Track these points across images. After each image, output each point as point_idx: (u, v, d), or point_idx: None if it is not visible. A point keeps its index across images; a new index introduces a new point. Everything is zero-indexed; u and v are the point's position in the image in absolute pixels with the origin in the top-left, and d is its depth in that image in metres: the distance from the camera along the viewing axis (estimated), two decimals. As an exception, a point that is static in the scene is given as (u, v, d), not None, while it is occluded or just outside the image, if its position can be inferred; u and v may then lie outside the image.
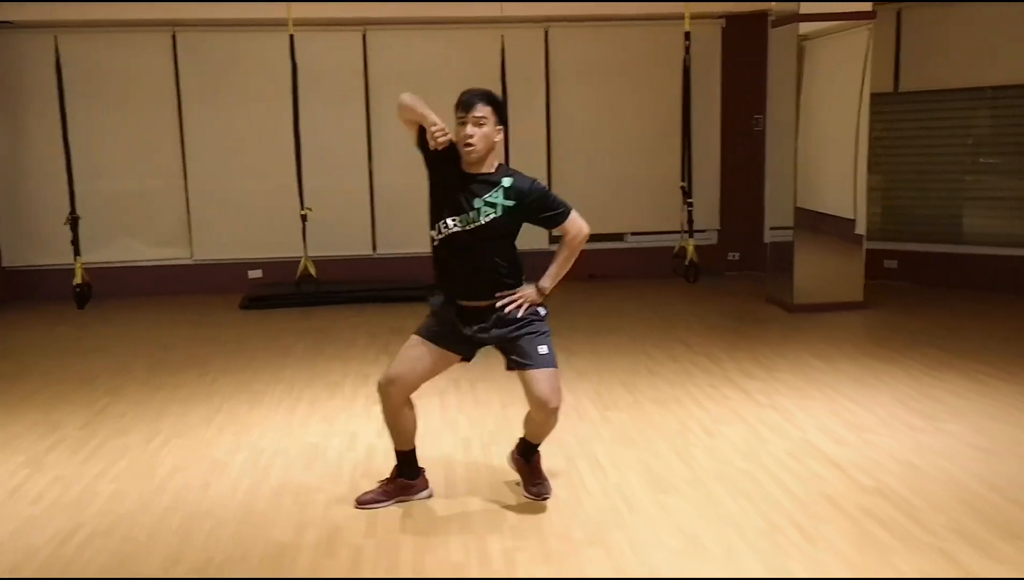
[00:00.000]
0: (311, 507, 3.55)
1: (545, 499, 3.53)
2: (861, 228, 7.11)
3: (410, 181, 8.32)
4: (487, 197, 3.33)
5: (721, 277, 8.67)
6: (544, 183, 3.54)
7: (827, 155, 7.10)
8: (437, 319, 3.47)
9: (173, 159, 8.18)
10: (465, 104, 3.32)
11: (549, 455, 4.05)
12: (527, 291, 3.42)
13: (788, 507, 3.46)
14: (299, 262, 7.83)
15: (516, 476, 3.72)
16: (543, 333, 3.43)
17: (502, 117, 3.36)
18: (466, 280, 3.40)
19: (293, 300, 7.68)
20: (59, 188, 7.73)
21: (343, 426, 4.57)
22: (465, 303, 3.40)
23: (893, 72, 7.96)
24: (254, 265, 8.41)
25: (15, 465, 4.07)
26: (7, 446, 4.32)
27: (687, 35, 8.05)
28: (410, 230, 8.40)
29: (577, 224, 3.45)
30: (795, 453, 4.03)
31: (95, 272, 7.94)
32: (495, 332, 3.40)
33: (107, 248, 8.13)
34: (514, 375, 3.44)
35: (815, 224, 7.16)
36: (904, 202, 8.16)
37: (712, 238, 8.88)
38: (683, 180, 8.21)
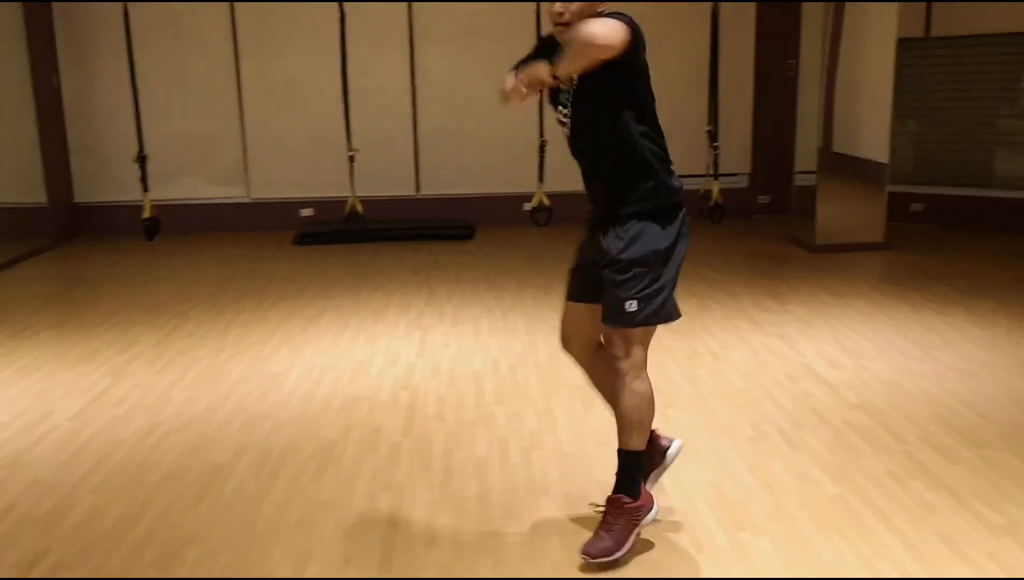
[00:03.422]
0: (356, 413, 4.05)
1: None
2: (884, 171, 7.36)
3: (452, 123, 8.76)
4: None
5: (750, 220, 8.98)
6: None
7: (858, 99, 7.33)
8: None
9: (231, 101, 8.65)
10: None
11: (570, 372, 4.52)
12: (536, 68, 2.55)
13: (777, 419, 3.88)
14: (347, 201, 8.34)
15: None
16: (638, 278, 2.67)
17: None
18: (588, 184, 2.82)
19: (341, 237, 8.18)
20: (126, 128, 8.27)
21: (386, 346, 5.06)
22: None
23: (925, 17, 8.11)
24: (306, 204, 8.90)
25: (100, 375, 4.63)
26: (91, 359, 4.89)
27: (715, -21, 8.33)
28: (452, 171, 8.84)
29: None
30: (792, 374, 4.43)
31: (159, 208, 8.51)
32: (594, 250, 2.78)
33: (170, 186, 8.68)
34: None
35: (842, 167, 7.43)
36: (933, 146, 8.36)
37: (743, 182, 9.17)
38: (710, 124, 8.50)
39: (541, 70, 2.53)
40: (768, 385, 4.29)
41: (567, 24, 2.57)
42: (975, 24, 7.88)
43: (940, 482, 3.25)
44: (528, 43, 8.02)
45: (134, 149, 8.22)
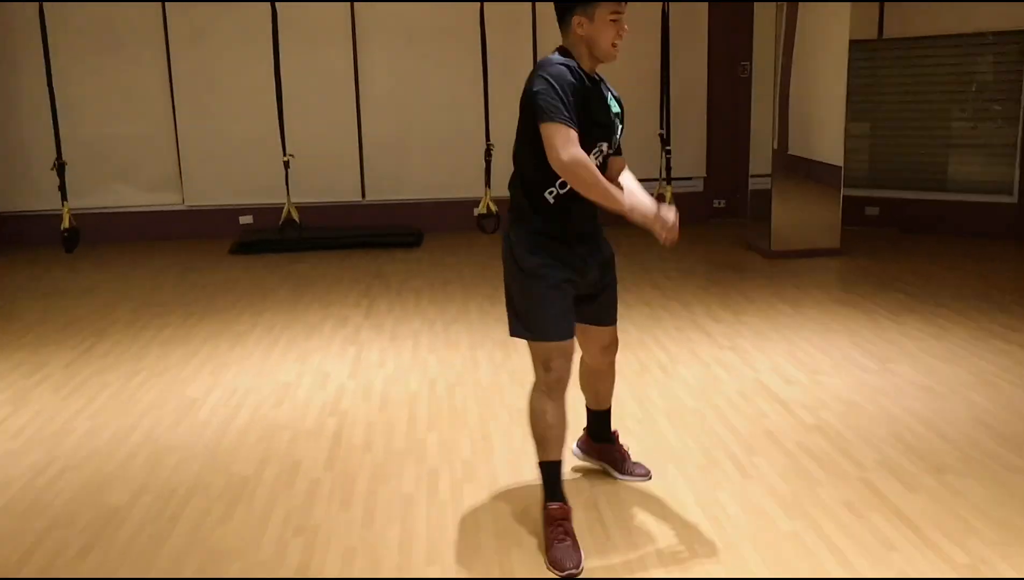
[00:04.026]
0: (275, 443, 3.73)
1: (649, 477, 3.32)
2: (839, 175, 7.19)
3: (398, 127, 8.44)
4: (610, 101, 2.90)
5: (706, 225, 8.77)
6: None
7: (812, 102, 7.14)
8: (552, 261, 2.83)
9: (162, 104, 8.26)
10: None
11: (510, 393, 4.24)
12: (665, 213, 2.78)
13: (729, 443, 3.62)
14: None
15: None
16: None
17: None
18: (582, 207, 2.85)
19: (281, 245, 7.82)
20: (47, 134, 7.83)
21: (317, 365, 4.74)
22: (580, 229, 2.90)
23: (877, 19, 7.96)
24: (245, 211, 8.54)
25: (0, 401, 4.26)
26: (-7, 384, 4.52)
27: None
28: (399, 176, 8.53)
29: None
30: (745, 392, 4.19)
31: (85, 217, 8.09)
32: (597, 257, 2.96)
33: (97, 193, 8.27)
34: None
35: (797, 170, 7.24)
36: (887, 149, 8.21)
37: (698, 186, 8.96)
38: (661, 127, 8.27)
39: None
40: (720, 404, 4.04)
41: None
42: (928, 26, 7.74)
43: (900, 514, 3.01)
44: (474, 44, 7.68)
45: (54, 155, 7.78)
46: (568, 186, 2.77)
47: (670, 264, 7.01)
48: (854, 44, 7.04)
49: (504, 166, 7.91)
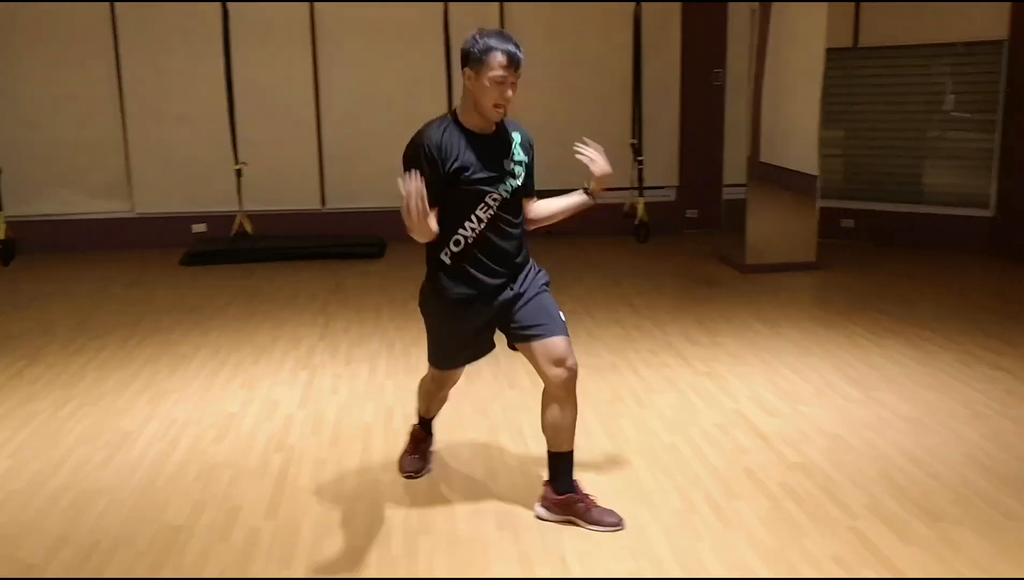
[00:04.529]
0: (213, 485, 3.40)
1: (621, 526, 3.02)
2: (814, 184, 6.96)
3: (360, 131, 8.11)
4: (514, 157, 2.98)
5: (679, 235, 8.53)
6: None
7: (787, 110, 6.92)
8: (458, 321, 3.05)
9: (111, 106, 7.87)
10: (515, 62, 2.82)
11: (472, 424, 3.95)
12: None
13: (707, 484, 3.36)
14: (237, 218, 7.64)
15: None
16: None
17: None
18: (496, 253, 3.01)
19: (234, 256, 7.46)
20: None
21: (265, 393, 4.42)
22: (491, 281, 3.00)
23: (853, 27, 7.76)
24: (199, 219, 8.16)
25: (-88, 436, 3.90)
26: (-92, 415, 4.15)
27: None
28: (361, 183, 8.20)
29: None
30: (724, 425, 3.92)
31: (26, 226, 7.68)
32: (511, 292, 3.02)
33: (40, 200, 7.84)
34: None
35: (771, 180, 7.00)
36: (862, 160, 8.02)
37: (671, 195, 8.72)
38: (633, 137, 8.01)
39: None
40: (697, 439, 3.78)
41: (505, 111, 2.89)
42: (903, 35, 7.55)
43: (894, 568, 2.76)
44: (438, 46, 7.29)
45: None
46: (461, 244, 2.94)
47: (643, 279, 6.75)
48: (828, 52, 6.80)
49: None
